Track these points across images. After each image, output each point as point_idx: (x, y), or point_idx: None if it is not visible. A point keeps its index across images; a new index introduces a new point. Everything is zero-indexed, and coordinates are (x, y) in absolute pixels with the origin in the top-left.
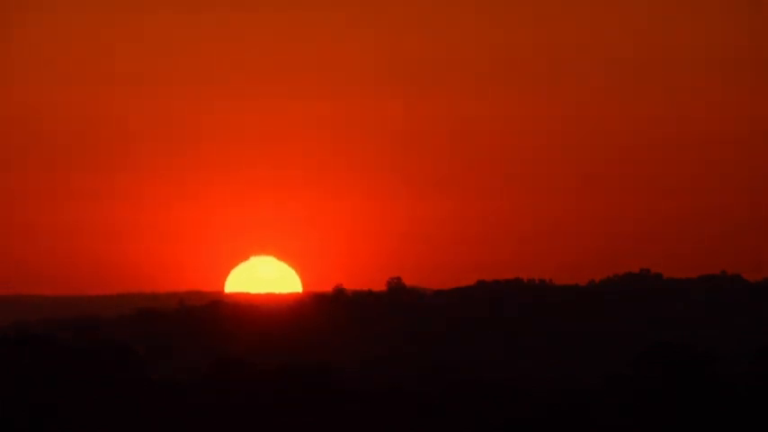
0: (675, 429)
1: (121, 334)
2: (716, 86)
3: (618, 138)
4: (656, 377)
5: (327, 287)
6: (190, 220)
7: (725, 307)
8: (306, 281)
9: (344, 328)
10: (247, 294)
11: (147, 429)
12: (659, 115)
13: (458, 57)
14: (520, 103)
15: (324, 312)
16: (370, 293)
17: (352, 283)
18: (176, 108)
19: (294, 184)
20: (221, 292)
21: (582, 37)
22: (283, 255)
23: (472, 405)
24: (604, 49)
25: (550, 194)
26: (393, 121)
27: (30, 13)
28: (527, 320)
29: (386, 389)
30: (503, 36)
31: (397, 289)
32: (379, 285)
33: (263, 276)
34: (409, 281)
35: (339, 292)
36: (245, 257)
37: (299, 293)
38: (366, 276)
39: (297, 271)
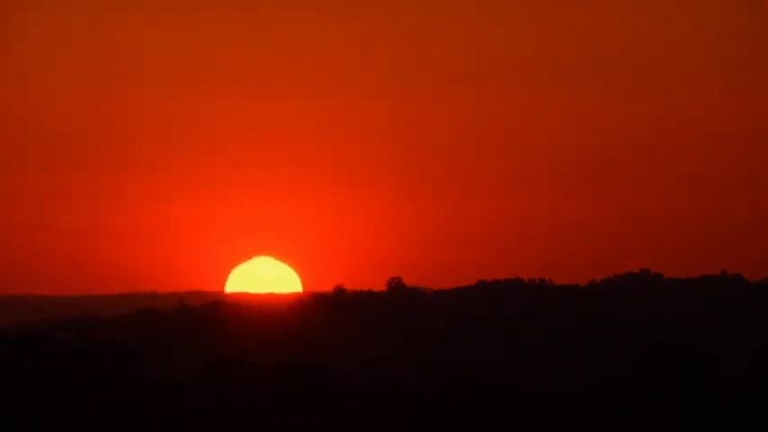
0: (675, 429)
1: (121, 334)
2: (716, 86)
3: (618, 138)
4: (656, 377)
5: (327, 287)
6: (190, 220)
7: (725, 307)
8: (306, 281)
9: (344, 328)
10: (247, 294)
11: (147, 429)
12: (659, 115)
13: (458, 57)
14: (519, 104)
15: (324, 312)
16: (370, 293)
17: (352, 283)
18: (176, 108)
19: (294, 185)
20: (221, 292)
21: (582, 37)
22: (283, 255)
23: (472, 405)
24: (604, 49)
25: (550, 194)
26: (393, 121)
27: (30, 13)
28: (527, 320)
29: (386, 389)
30: (502, 36)
31: (397, 289)
32: (379, 285)
33: (264, 276)
34: (409, 281)
35: (339, 292)
36: (245, 257)
37: (299, 293)
38: (366, 276)
39: (297, 271)
